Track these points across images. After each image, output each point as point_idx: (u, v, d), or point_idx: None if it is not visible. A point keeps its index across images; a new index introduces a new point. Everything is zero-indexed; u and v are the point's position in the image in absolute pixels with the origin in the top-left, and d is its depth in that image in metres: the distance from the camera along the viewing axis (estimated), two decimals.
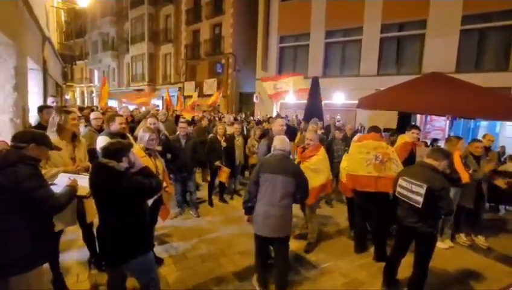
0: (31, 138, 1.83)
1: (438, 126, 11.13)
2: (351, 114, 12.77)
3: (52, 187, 1.92)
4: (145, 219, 2.13)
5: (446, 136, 10.76)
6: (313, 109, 8.97)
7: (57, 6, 8.15)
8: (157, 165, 3.08)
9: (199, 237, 3.91)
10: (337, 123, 8.75)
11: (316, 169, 3.37)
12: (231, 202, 5.38)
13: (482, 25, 10.09)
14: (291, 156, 3.27)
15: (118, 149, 1.97)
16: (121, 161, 1.94)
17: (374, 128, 3.54)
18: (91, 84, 30.70)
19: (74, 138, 2.49)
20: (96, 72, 29.34)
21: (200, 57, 18.85)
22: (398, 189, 2.64)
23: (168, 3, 20.49)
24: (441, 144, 6.37)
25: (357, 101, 6.52)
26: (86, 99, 31.98)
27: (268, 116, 12.44)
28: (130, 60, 23.61)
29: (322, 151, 3.52)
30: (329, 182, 3.57)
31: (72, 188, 2.04)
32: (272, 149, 2.75)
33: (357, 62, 12.47)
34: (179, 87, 19.89)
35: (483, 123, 11.09)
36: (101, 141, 3.33)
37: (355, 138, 4.10)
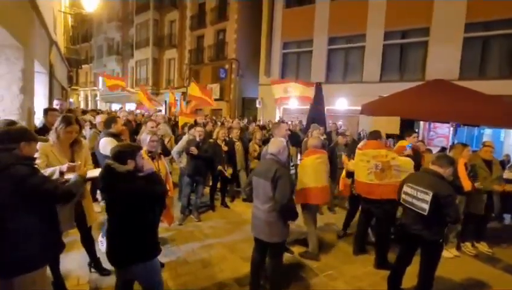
0: (18, 136, 1.78)
1: (442, 133, 11.08)
2: (354, 120, 12.75)
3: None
4: (150, 224, 2.11)
5: (450, 143, 10.68)
6: (316, 114, 8.97)
7: (65, 11, 8.30)
8: (160, 168, 3.08)
9: (200, 241, 3.88)
10: (339, 129, 8.72)
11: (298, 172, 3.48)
12: (233, 206, 5.35)
13: (485, 33, 10.12)
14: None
15: (123, 152, 1.97)
16: (125, 163, 1.94)
17: (374, 135, 3.47)
18: (95, 88, 31.02)
19: (74, 143, 2.47)
20: (100, 76, 29.66)
21: (203, 62, 19.02)
22: (403, 196, 2.61)
23: (173, 9, 20.79)
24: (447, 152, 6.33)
25: (359, 107, 6.52)
26: (89, 102, 32.27)
27: (268, 120, 12.47)
28: (135, 64, 23.89)
29: (309, 159, 3.46)
30: (307, 192, 3.40)
31: (79, 176, 2.04)
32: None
33: (360, 68, 12.51)
34: (182, 92, 20.02)
35: (487, 131, 11.02)
36: (104, 143, 3.35)
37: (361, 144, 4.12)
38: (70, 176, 2.09)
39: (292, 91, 9.10)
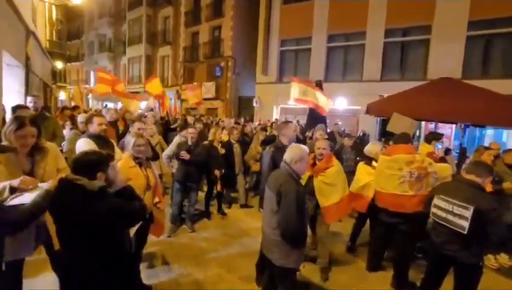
0: None
1: (444, 134, 10.82)
2: (354, 120, 12.45)
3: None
4: (126, 252, 1.68)
5: (452, 144, 10.36)
6: (316, 114, 8.58)
7: (48, 1, 7.71)
8: (149, 176, 2.64)
9: (194, 257, 3.42)
10: (340, 130, 8.35)
11: (332, 183, 2.93)
12: (230, 213, 4.89)
13: (488, 31, 9.88)
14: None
15: (92, 162, 1.52)
16: (95, 178, 1.49)
17: (404, 138, 3.01)
18: (87, 86, 30.13)
19: (34, 150, 1.92)
20: (92, 74, 28.81)
21: (198, 59, 18.50)
22: (434, 210, 2.21)
23: (167, 5, 20.19)
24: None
25: (359, 107, 6.17)
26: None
27: (271, 121, 12.06)
28: (127, 61, 23.21)
29: (337, 161, 3.10)
30: (348, 199, 3.10)
31: (47, 192, 1.56)
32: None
33: (359, 67, 12.19)
34: (177, 90, 19.48)
35: (489, 131, 10.80)
36: (82, 144, 2.88)
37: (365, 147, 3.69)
38: (27, 195, 1.60)
39: (310, 97, 8.72)
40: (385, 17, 11.37)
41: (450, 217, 2.07)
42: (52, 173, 1.93)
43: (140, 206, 1.66)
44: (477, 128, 9.82)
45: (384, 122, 11.13)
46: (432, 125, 10.86)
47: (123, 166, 2.43)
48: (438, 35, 10.50)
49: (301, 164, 2.16)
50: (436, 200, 2.20)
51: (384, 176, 2.88)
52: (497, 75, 9.68)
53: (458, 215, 2.01)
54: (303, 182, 2.85)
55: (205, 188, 4.88)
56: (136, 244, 2.47)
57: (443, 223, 2.12)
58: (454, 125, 10.02)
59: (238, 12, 16.36)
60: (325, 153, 3.00)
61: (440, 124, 10.23)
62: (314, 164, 2.99)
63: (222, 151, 4.53)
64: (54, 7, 9.01)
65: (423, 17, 10.67)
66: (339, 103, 12.26)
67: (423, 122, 10.32)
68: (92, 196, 1.43)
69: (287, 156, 2.19)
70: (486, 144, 10.58)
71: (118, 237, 1.61)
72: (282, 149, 2.94)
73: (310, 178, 2.95)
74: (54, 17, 10.60)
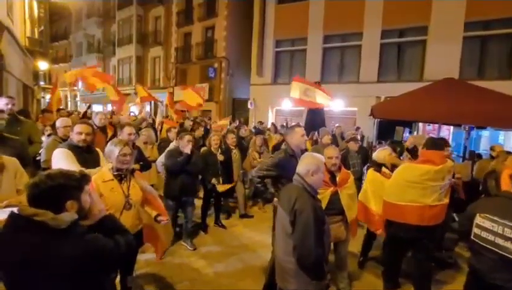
0: None
1: (441, 136, 10.72)
2: (350, 122, 12.23)
3: None
4: None
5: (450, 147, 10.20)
6: (315, 116, 8.29)
7: None
8: (131, 193, 2.18)
9: (191, 279, 3.02)
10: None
11: (354, 193, 2.72)
12: (229, 225, 4.48)
13: (485, 32, 9.85)
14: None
15: (57, 188, 1.11)
16: (63, 209, 1.10)
17: (439, 144, 2.70)
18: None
19: None
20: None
21: (191, 60, 18.06)
22: (476, 231, 1.89)
23: (158, 4, 19.71)
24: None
25: (356, 108, 5.92)
26: (69, 103, 30.30)
27: (258, 121, 11.78)
28: (117, 63, 22.57)
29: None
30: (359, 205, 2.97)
31: None
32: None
33: (356, 68, 12.02)
34: (169, 92, 18.97)
35: (485, 133, 10.76)
36: (57, 156, 2.45)
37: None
38: None
39: (311, 97, 8.49)
40: (381, 17, 11.24)
41: (499, 241, 1.75)
42: (10, 195, 1.51)
43: (124, 241, 1.26)
44: (475, 129, 9.77)
45: (381, 125, 10.99)
46: (429, 127, 10.82)
47: (95, 180, 1.99)
48: (434, 36, 10.42)
49: (318, 176, 1.85)
50: (479, 220, 1.88)
51: (422, 188, 2.51)
52: (494, 76, 9.65)
53: (511, 239, 1.70)
54: (325, 201, 2.51)
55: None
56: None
57: (490, 247, 1.80)
58: (452, 127, 9.92)
59: (232, 12, 16.02)
60: (338, 162, 2.69)
61: (436, 126, 10.14)
62: (332, 177, 2.65)
63: (221, 158, 4.14)
64: (35, 3, 8.38)
65: (419, 18, 10.58)
66: (336, 105, 12.02)
67: (420, 124, 10.20)
68: (57, 236, 1.04)
69: (301, 167, 1.87)
70: (482, 145, 10.55)
71: (97, 284, 1.21)
72: (293, 157, 2.60)
73: (334, 194, 2.60)
74: (36, 14, 9.91)
